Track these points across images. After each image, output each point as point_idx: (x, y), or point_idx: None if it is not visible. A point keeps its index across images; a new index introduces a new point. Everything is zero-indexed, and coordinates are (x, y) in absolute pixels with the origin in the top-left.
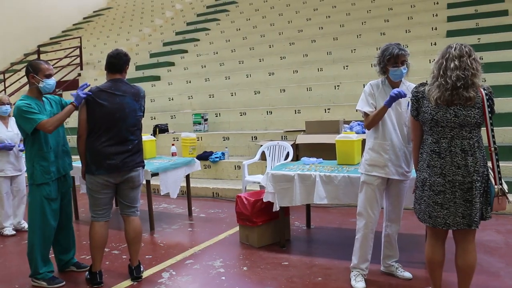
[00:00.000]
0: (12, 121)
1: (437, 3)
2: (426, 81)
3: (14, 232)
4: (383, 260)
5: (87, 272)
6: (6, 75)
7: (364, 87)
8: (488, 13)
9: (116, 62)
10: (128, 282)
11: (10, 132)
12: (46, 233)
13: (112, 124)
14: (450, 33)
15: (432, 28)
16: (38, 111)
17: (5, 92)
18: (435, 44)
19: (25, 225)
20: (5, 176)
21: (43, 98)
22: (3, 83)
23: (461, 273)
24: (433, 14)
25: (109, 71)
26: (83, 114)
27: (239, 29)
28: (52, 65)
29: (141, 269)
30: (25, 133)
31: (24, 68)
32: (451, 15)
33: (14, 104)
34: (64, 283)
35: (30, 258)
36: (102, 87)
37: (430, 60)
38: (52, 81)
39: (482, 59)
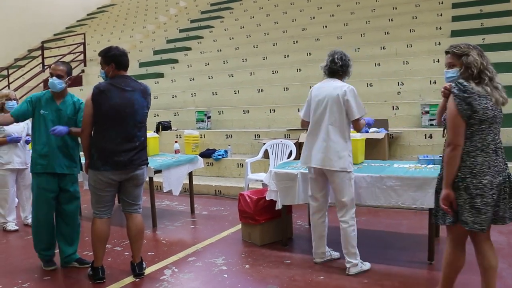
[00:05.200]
0: None
1: (442, 3)
2: (460, 79)
3: (17, 228)
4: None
5: (89, 269)
6: (10, 71)
7: (367, 86)
8: (493, 13)
9: (126, 60)
10: (131, 279)
11: (17, 126)
12: (40, 216)
13: (121, 119)
14: (455, 33)
15: (437, 27)
16: (27, 104)
17: (8, 87)
18: (439, 44)
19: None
20: (11, 169)
21: (67, 97)
22: (7, 78)
23: (491, 271)
24: (438, 14)
25: (117, 68)
26: (89, 109)
27: (243, 27)
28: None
29: (143, 266)
30: None
31: (28, 64)
32: (456, 15)
33: (19, 99)
34: (56, 266)
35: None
36: (113, 82)
37: (434, 60)
38: (56, 80)
39: None
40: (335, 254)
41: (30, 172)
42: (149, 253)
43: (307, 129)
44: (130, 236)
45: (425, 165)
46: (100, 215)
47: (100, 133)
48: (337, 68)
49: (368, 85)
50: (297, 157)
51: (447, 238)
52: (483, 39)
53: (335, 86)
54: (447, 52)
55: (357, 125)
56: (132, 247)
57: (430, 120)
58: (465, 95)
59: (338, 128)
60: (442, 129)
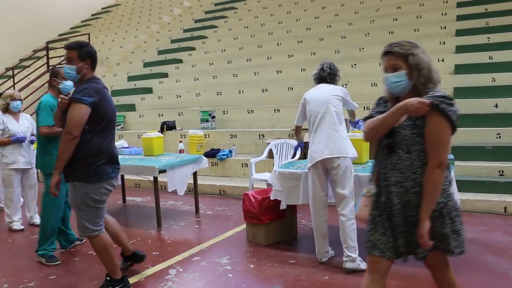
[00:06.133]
0: (23, 116)
1: (446, 2)
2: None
3: (23, 227)
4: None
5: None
6: (15, 71)
7: (372, 86)
8: (498, 12)
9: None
10: (135, 278)
11: (22, 126)
12: (53, 222)
13: (114, 123)
14: (459, 32)
15: (441, 27)
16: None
17: (14, 87)
18: (444, 43)
19: (36, 219)
20: (16, 169)
21: None
22: (12, 79)
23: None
24: (442, 13)
25: (92, 66)
26: (86, 111)
27: (247, 27)
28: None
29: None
30: None
31: (33, 64)
32: (461, 14)
33: (24, 99)
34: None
35: None
36: (99, 81)
37: (438, 59)
38: (69, 83)
39: (492, 58)
40: (332, 253)
41: (44, 174)
42: (153, 253)
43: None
44: (116, 230)
45: None
46: (101, 229)
47: (101, 138)
48: (325, 75)
49: (373, 84)
50: (301, 157)
51: (373, 273)
52: (488, 38)
53: (329, 87)
54: (387, 53)
55: (353, 117)
56: (121, 240)
57: None
58: (456, 108)
59: (339, 122)
60: (378, 149)
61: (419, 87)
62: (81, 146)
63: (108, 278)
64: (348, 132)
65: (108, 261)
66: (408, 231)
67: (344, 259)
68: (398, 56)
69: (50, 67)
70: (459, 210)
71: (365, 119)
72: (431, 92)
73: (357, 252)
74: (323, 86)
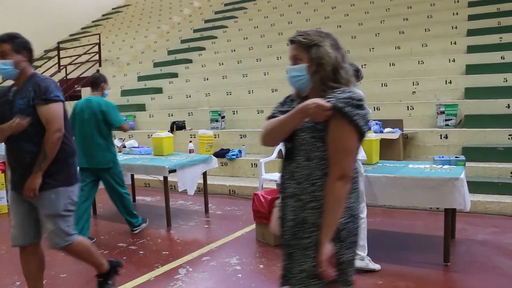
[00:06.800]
0: None
1: (458, 1)
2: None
3: None
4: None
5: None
6: None
7: (382, 86)
8: (510, 11)
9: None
10: (146, 277)
11: None
12: None
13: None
14: (471, 32)
15: (452, 27)
16: None
17: None
18: (455, 43)
19: None
20: None
21: None
22: None
23: None
24: (453, 13)
25: (29, 59)
26: (62, 108)
27: (257, 27)
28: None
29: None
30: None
31: (45, 64)
32: (472, 14)
33: None
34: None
35: None
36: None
37: (449, 60)
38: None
39: (504, 58)
40: None
41: (105, 169)
42: (163, 252)
43: None
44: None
45: (441, 166)
46: (76, 233)
47: (73, 135)
48: None
49: (383, 85)
50: None
51: None
52: (500, 38)
53: None
54: (291, 42)
55: None
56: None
57: (446, 120)
58: (365, 112)
59: None
60: (282, 153)
61: (316, 85)
62: (61, 147)
63: (100, 279)
64: None
65: (93, 257)
66: (290, 256)
67: None
68: (300, 47)
69: (62, 67)
70: (358, 235)
71: (268, 118)
72: (338, 92)
73: (366, 252)
74: None
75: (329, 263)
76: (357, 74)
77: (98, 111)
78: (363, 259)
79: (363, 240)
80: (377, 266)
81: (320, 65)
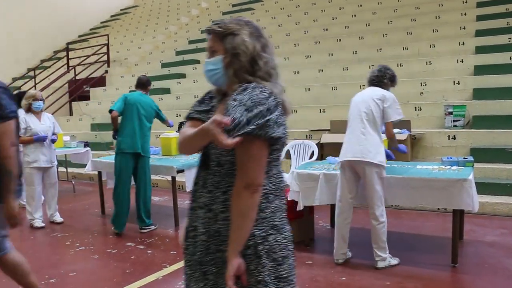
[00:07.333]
0: (45, 115)
1: (466, 2)
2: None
3: (43, 224)
4: None
5: None
6: (36, 72)
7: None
8: None
9: None
10: (154, 277)
11: (43, 125)
12: None
13: None
14: (479, 33)
15: (461, 27)
16: None
17: (35, 87)
18: (463, 44)
19: (57, 217)
20: (38, 168)
21: None
22: (33, 79)
23: None
24: (462, 13)
25: None
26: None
27: (264, 28)
28: (80, 62)
29: None
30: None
31: (53, 65)
32: (481, 14)
33: (46, 99)
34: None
35: None
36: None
37: (457, 60)
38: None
39: None
40: (349, 254)
41: (147, 157)
42: (171, 252)
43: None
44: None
45: (449, 167)
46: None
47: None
48: (373, 78)
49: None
50: (319, 158)
51: None
52: (509, 38)
53: (372, 90)
54: (208, 32)
55: (389, 128)
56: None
57: (454, 121)
58: (278, 120)
59: (371, 126)
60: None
61: (231, 79)
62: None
63: None
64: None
65: (26, 274)
66: (216, 274)
67: (376, 259)
68: (216, 37)
69: (70, 68)
70: (291, 248)
71: (185, 118)
72: (237, 92)
73: (387, 251)
74: (368, 89)
75: (233, 280)
76: (393, 79)
77: (155, 107)
78: (384, 259)
79: (384, 243)
80: (396, 259)
81: (235, 55)
